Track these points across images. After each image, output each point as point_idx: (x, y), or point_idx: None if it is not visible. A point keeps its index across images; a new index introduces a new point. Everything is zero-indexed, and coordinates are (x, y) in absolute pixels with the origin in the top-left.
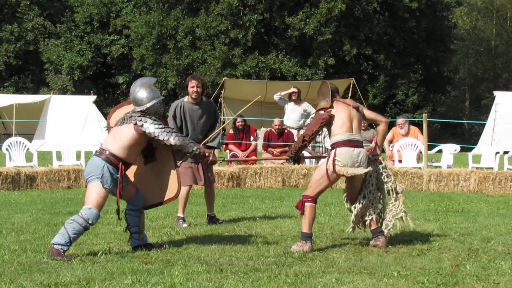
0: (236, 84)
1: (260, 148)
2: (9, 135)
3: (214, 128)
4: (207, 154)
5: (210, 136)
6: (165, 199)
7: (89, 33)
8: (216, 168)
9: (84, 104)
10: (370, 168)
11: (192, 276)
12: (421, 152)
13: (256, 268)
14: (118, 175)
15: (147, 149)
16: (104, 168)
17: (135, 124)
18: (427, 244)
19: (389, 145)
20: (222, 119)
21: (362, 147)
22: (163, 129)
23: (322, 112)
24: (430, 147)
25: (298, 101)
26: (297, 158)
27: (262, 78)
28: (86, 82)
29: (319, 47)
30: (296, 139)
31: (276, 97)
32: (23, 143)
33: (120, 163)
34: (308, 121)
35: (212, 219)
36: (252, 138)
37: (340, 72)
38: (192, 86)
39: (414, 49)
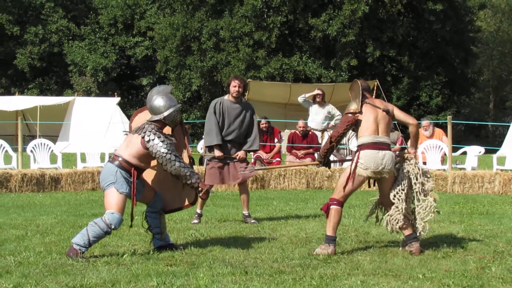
0: (260, 86)
1: (284, 150)
2: (33, 137)
3: (251, 130)
4: (201, 188)
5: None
6: (185, 204)
7: (113, 35)
8: None
9: (108, 106)
10: (394, 171)
11: (217, 278)
12: (445, 154)
13: (281, 270)
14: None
15: None
16: (117, 173)
17: (143, 137)
18: (452, 246)
19: None
20: None
21: (388, 149)
22: (167, 153)
23: (349, 115)
24: (454, 149)
25: (322, 103)
26: (327, 162)
27: (286, 80)
28: (110, 84)
29: (342, 49)
30: (320, 141)
31: (300, 99)
32: (47, 145)
33: (133, 169)
34: (332, 123)
35: (245, 218)
36: (276, 140)
37: (364, 74)
38: (235, 85)
39: (438, 51)
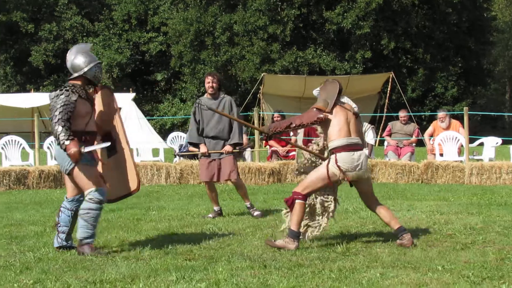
0: (274, 79)
1: (300, 143)
2: (49, 134)
3: (231, 125)
4: (72, 151)
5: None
6: (131, 190)
7: (127, 31)
8: (257, 164)
9: (123, 101)
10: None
11: (236, 272)
12: (462, 146)
13: (299, 263)
14: (86, 148)
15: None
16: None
17: (50, 96)
18: (471, 237)
19: (430, 138)
20: (261, 115)
21: (361, 149)
22: (62, 112)
23: (316, 110)
24: (471, 140)
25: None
26: (271, 136)
27: (301, 73)
28: (125, 79)
29: (357, 41)
30: None
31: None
32: None
33: (82, 137)
34: None
35: (249, 209)
36: (292, 133)
37: (379, 66)
38: (208, 82)
39: (454, 42)
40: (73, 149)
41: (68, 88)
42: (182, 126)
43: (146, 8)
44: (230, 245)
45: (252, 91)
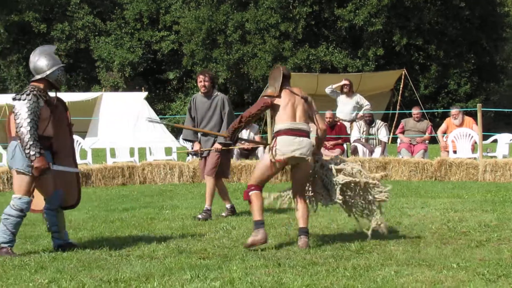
0: None
1: (312, 141)
2: None
3: (221, 123)
4: (37, 165)
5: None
6: (73, 203)
7: (139, 30)
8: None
9: (136, 100)
10: (311, 159)
11: (251, 270)
12: (476, 143)
13: (314, 261)
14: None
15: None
16: (16, 149)
17: (14, 99)
18: (485, 235)
19: (443, 135)
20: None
21: (306, 136)
22: (27, 118)
23: (266, 97)
24: (484, 137)
25: (350, 93)
26: (236, 140)
27: (313, 71)
28: (137, 78)
29: (369, 38)
30: (348, 131)
31: (327, 90)
32: (77, 140)
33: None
34: (361, 113)
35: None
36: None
37: (391, 63)
38: (200, 81)
39: (466, 38)
40: (41, 164)
41: (35, 91)
42: None
43: (157, 7)
44: (244, 244)
45: (265, 89)
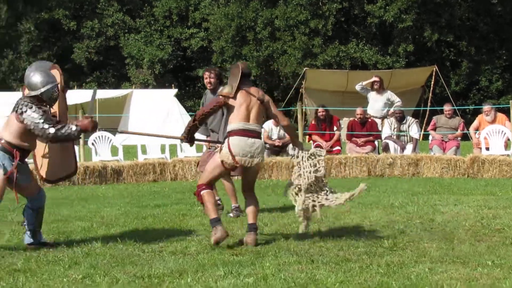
0: (317, 74)
1: (343, 138)
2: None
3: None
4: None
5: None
6: (70, 172)
7: (168, 27)
8: None
9: (166, 97)
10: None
11: (284, 267)
12: (508, 139)
13: (347, 258)
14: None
15: None
16: (0, 156)
17: (16, 111)
18: None
19: (476, 132)
20: (303, 110)
21: (258, 137)
22: (41, 121)
23: (221, 97)
24: None
25: (380, 90)
26: (191, 139)
27: (343, 68)
28: (167, 75)
29: (399, 35)
30: (379, 128)
31: (357, 87)
32: (108, 137)
33: (15, 150)
34: (391, 110)
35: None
36: (335, 128)
37: (422, 59)
38: (206, 78)
39: (498, 34)
40: (87, 125)
41: (31, 103)
42: None
43: (187, 4)
44: (276, 240)
45: (295, 86)
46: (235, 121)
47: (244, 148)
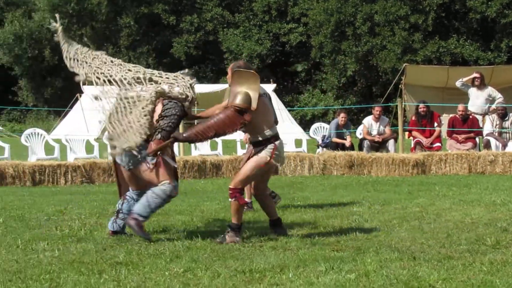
0: (417, 70)
1: (444, 134)
2: (191, 124)
3: None
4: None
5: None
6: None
7: (267, 22)
8: (400, 155)
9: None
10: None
11: (385, 263)
12: None
13: (449, 256)
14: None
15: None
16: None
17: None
18: None
19: None
20: (403, 106)
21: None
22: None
23: (237, 113)
24: None
25: (481, 86)
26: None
27: (443, 63)
28: (265, 70)
29: (502, 30)
30: (480, 125)
31: (458, 83)
32: None
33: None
34: (493, 106)
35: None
36: (435, 124)
37: None
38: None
39: None
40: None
41: None
42: (322, 117)
43: None
44: (377, 236)
45: (394, 81)
46: (270, 125)
47: (283, 151)
